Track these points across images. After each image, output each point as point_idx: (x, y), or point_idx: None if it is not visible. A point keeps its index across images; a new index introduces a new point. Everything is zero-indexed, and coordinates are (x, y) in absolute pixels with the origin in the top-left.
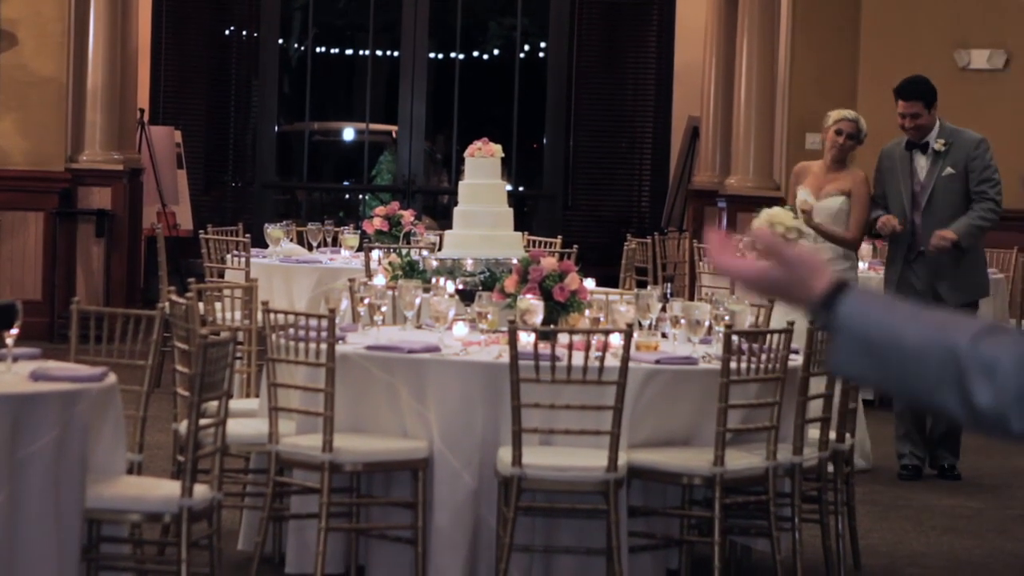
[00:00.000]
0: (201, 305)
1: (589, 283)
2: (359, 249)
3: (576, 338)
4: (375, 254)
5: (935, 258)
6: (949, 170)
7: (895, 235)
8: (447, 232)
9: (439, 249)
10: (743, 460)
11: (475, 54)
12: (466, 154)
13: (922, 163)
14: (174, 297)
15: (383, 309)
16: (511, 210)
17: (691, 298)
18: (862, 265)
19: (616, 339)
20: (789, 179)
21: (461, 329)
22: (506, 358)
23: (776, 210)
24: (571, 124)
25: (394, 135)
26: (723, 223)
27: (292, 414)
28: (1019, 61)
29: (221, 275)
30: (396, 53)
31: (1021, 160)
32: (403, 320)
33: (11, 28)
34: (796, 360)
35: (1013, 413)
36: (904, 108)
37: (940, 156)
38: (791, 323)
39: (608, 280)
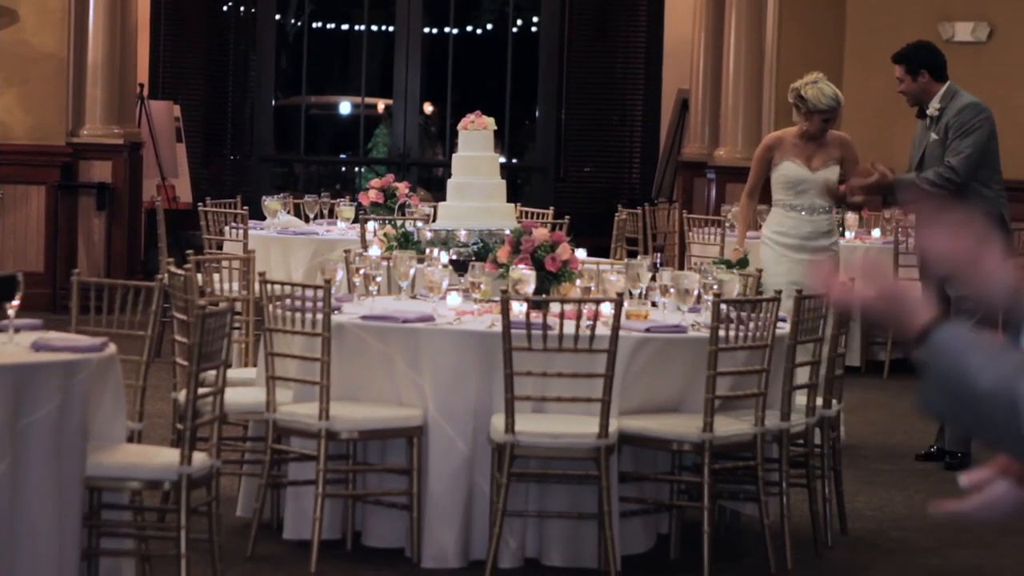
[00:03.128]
0: (200, 276)
1: (580, 253)
2: (355, 221)
3: (567, 307)
4: (371, 226)
5: None
6: (933, 136)
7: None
8: (441, 204)
9: (433, 220)
10: (732, 426)
11: (468, 29)
12: (459, 127)
13: (927, 130)
14: (173, 268)
15: (378, 280)
16: (504, 182)
17: (680, 268)
18: (849, 234)
19: (607, 308)
20: (760, 147)
21: (455, 299)
22: (499, 327)
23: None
24: (563, 97)
25: (388, 108)
26: (712, 193)
27: (289, 383)
28: (1002, 33)
29: (220, 247)
30: (391, 28)
31: (1004, 131)
32: (398, 290)
33: (12, 4)
34: (783, 328)
35: None
36: (896, 72)
37: (933, 122)
38: (778, 292)
39: (599, 250)
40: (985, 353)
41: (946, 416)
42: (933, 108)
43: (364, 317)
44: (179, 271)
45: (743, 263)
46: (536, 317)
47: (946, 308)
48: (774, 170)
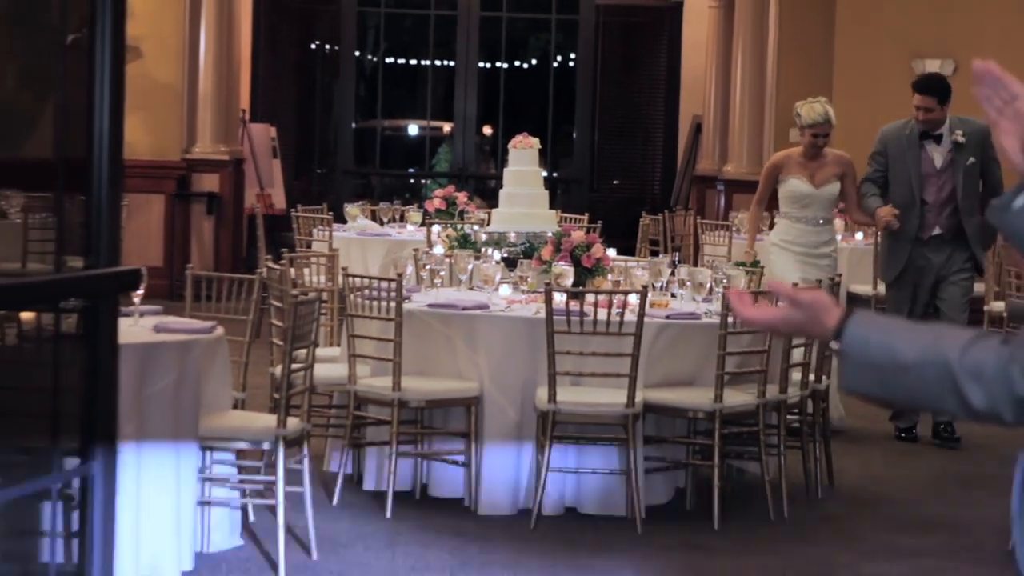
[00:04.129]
0: (292, 271)
1: (611, 252)
2: (422, 224)
3: (600, 297)
4: (435, 228)
5: (950, 239)
6: (971, 160)
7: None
8: (494, 210)
9: (488, 224)
10: (738, 398)
11: (517, 63)
12: (510, 146)
13: (934, 151)
14: (270, 264)
15: (441, 274)
16: (546, 192)
17: (695, 264)
18: (837, 237)
19: (633, 298)
20: (766, 165)
21: (506, 290)
22: (543, 314)
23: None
24: (595, 121)
25: (450, 130)
26: (722, 202)
27: (367, 360)
28: (964, 68)
29: (309, 246)
30: (452, 63)
31: None
32: (458, 283)
33: (136, 43)
34: None
35: (1003, 408)
36: (919, 102)
37: (962, 147)
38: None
39: (626, 250)
40: (902, 331)
41: (873, 391)
42: (957, 135)
43: (430, 305)
44: (275, 266)
45: (755, 264)
46: (574, 305)
47: (917, 309)
48: (781, 185)
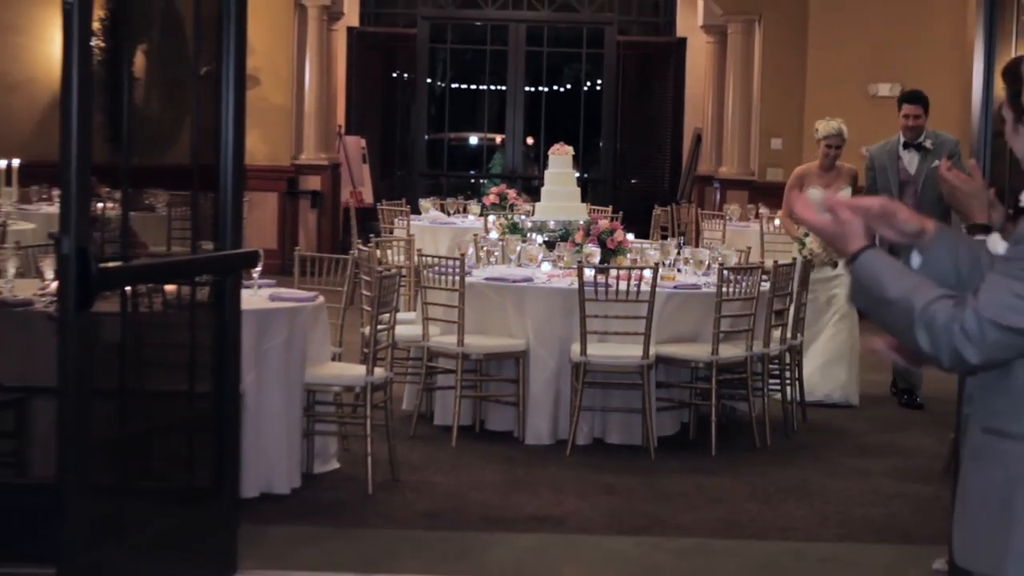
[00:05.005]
0: (378, 252)
1: (629, 236)
2: (480, 215)
3: (621, 272)
4: (491, 218)
5: None
6: (936, 163)
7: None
8: (537, 203)
9: (532, 214)
10: (730, 351)
11: (555, 88)
12: (550, 153)
13: (910, 159)
14: (361, 246)
15: (495, 254)
16: (579, 189)
17: (696, 246)
18: None
19: (647, 273)
20: (790, 179)
21: (546, 266)
22: (576, 285)
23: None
24: (618, 133)
25: (502, 141)
26: (717, 197)
27: (437, 321)
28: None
29: (391, 232)
30: (503, 88)
31: None
32: (508, 261)
33: (255, 73)
34: (765, 286)
35: (942, 355)
36: (908, 110)
37: (929, 152)
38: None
39: (642, 234)
40: (896, 274)
41: (867, 310)
42: (927, 142)
43: (486, 278)
44: (364, 248)
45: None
46: (600, 279)
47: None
48: (803, 193)
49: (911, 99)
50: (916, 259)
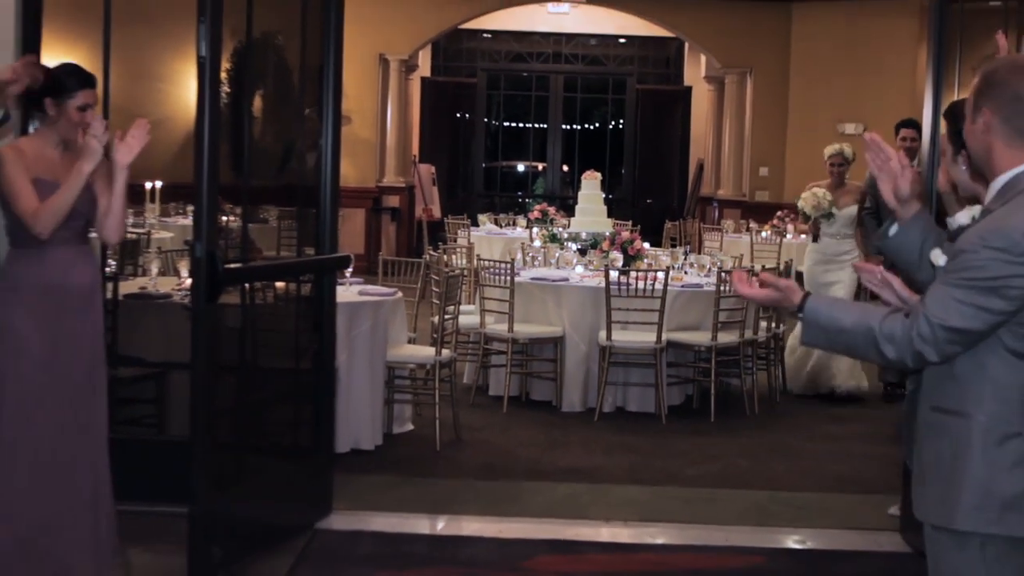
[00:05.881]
0: (444, 256)
1: (646, 245)
2: (526, 227)
3: (639, 273)
4: (535, 230)
5: None
6: None
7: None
8: (572, 218)
9: (568, 227)
10: (726, 337)
11: (586, 125)
12: (583, 178)
13: None
14: (431, 252)
15: (538, 258)
16: (605, 207)
17: (699, 253)
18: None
19: (660, 274)
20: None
21: (580, 269)
22: (603, 284)
23: (817, 189)
24: (636, 162)
25: (543, 168)
26: (716, 214)
27: (492, 312)
28: (873, 129)
29: (455, 240)
30: (545, 125)
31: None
32: (549, 264)
33: (348, 113)
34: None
35: (907, 359)
36: (905, 134)
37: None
38: (760, 267)
39: (656, 243)
40: (842, 307)
41: (823, 344)
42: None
43: (531, 278)
44: (434, 254)
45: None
46: (623, 279)
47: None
48: None
49: (906, 124)
50: (894, 228)
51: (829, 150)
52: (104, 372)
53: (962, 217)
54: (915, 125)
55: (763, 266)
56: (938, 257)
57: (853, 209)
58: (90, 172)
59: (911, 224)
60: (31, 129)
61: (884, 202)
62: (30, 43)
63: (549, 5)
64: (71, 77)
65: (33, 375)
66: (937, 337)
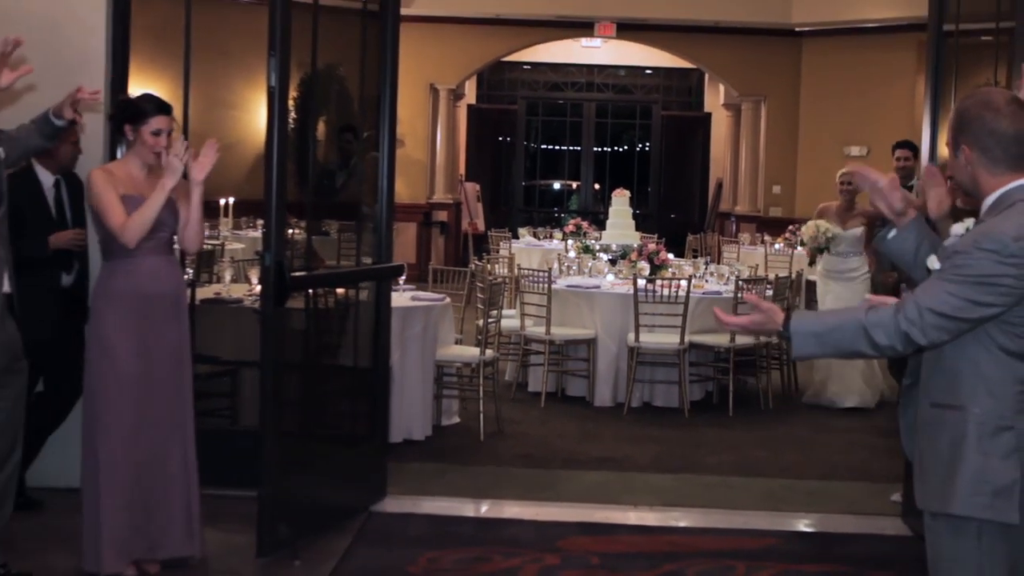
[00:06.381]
0: (488, 265)
1: (670, 256)
2: (562, 239)
3: (664, 281)
4: (569, 242)
5: None
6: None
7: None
8: (604, 231)
9: (600, 240)
10: (744, 340)
11: (615, 148)
12: (613, 195)
13: None
14: (476, 262)
15: (573, 267)
16: (633, 221)
17: (718, 263)
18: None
19: (683, 283)
20: (816, 211)
21: (611, 277)
22: (632, 291)
23: (819, 221)
24: (662, 181)
25: (577, 186)
26: (733, 228)
27: (531, 316)
28: (875, 151)
29: (497, 251)
30: (579, 148)
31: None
32: (583, 273)
33: (401, 137)
34: (769, 292)
35: (896, 341)
36: (900, 154)
37: (917, 195)
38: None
39: (679, 254)
40: (825, 313)
41: (815, 351)
42: (916, 185)
43: (567, 285)
44: (479, 263)
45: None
46: (649, 286)
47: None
48: None
49: (901, 144)
50: (892, 232)
51: (840, 172)
52: (190, 371)
53: (957, 228)
54: (910, 146)
55: (776, 275)
56: (933, 263)
57: (860, 230)
58: (172, 187)
59: (907, 229)
60: (119, 153)
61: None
62: (118, 81)
63: (583, 40)
64: (147, 104)
65: (125, 375)
66: (925, 320)
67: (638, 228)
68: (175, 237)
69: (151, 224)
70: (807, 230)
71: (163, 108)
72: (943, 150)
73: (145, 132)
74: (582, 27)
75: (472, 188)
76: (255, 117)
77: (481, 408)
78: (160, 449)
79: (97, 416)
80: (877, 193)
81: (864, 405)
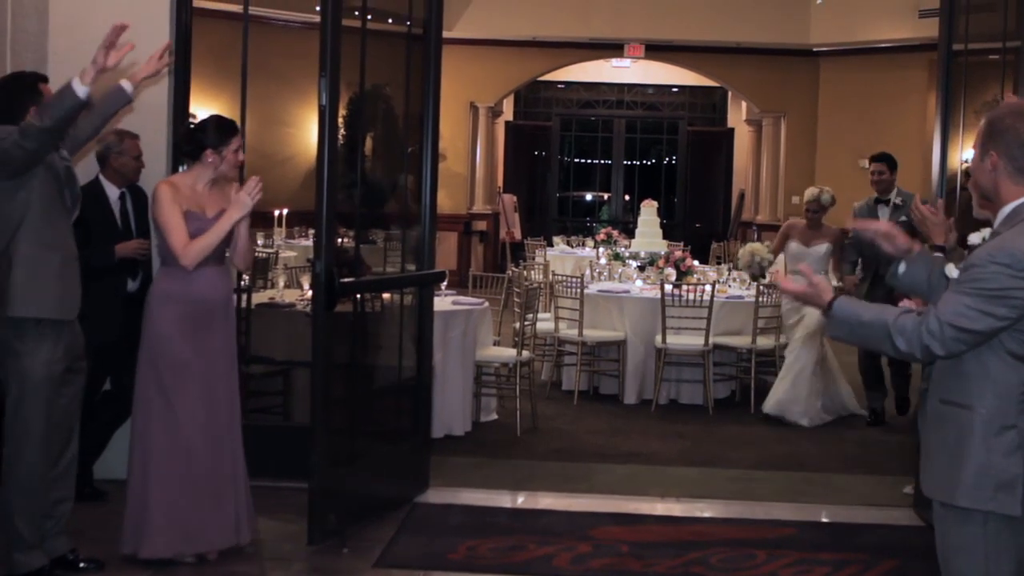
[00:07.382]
0: (525, 272)
1: (696, 263)
2: (594, 247)
3: (690, 287)
4: (601, 249)
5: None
6: (903, 219)
7: (865, 262)
8: (633, 240)
9: (629, 247)
10: (765, 342)
11: (644, 161)
12: (642, 205)
13: (884, 213)
14: (513, 268)
15: (604, 274)
16: (661, 230)
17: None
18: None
19: (708, 288)
20: (782, 226)
21: (639, 283)
22: (659, 295)
23: (755, 245)
24: (687, 192)
25: (608, 198)
26: (755, 236)
27: (565, 319)
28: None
29: (533, 259)
30: (610, 161)
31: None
32: (613, 278)
33: (443, 151)
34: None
35: (916, 350)
36: (875, 168)
37: (898, 208)
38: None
39: (704, 261)
40: (864, 306)
41: (845, 337)
42: (898, 199)
43: (598, 290)
44: (516, 270)
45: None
46: (676, 291)
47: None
48: (787, 245)
49: (876, 159)
50: (902, 267)
51: (807, 195)
52: (236, 371)
53: (974, 238)
54: (886, 159)
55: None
56: (951, 271)
57: (824, 248)
58: (237, 220)
59: (915, 263)
60: (181, 170)
61: (867, 250)
62: (180, 100)
63: (613, 60)
64: (227, 128)
65: (178, 369)
66: (945, 335)
67: (665, 236)
68: (227, 251)
69: (210, 252)
70: (743, 256)
71: (236, 128)
72: (954, 161)
73: (229, 152)
74: (613, 48)
75: (510, 199)
76: (307, 134)
77: (518, 405)
78: (212, 442)
79: (150, 406)
80: (882, 239)
81: (812, 424)
